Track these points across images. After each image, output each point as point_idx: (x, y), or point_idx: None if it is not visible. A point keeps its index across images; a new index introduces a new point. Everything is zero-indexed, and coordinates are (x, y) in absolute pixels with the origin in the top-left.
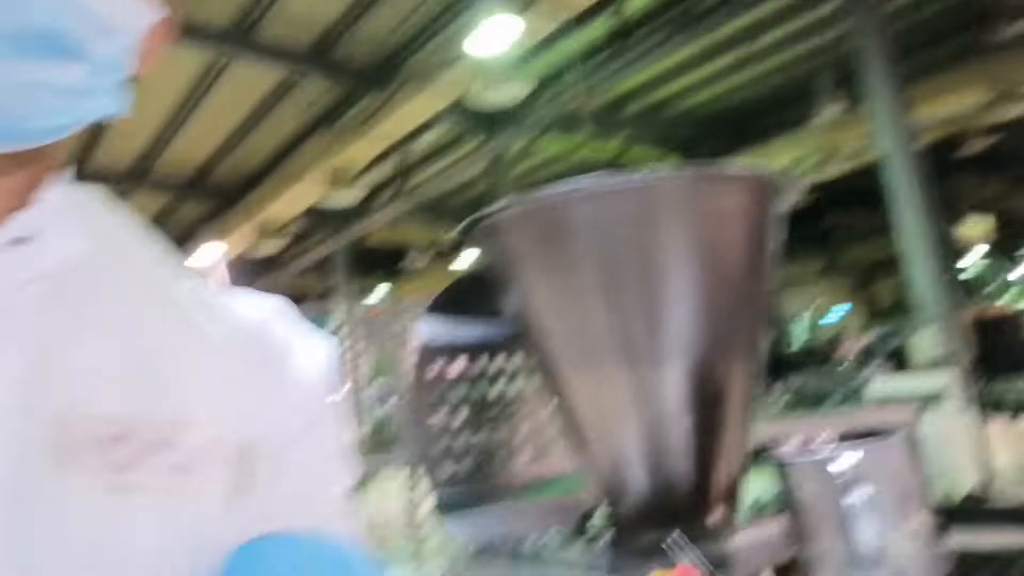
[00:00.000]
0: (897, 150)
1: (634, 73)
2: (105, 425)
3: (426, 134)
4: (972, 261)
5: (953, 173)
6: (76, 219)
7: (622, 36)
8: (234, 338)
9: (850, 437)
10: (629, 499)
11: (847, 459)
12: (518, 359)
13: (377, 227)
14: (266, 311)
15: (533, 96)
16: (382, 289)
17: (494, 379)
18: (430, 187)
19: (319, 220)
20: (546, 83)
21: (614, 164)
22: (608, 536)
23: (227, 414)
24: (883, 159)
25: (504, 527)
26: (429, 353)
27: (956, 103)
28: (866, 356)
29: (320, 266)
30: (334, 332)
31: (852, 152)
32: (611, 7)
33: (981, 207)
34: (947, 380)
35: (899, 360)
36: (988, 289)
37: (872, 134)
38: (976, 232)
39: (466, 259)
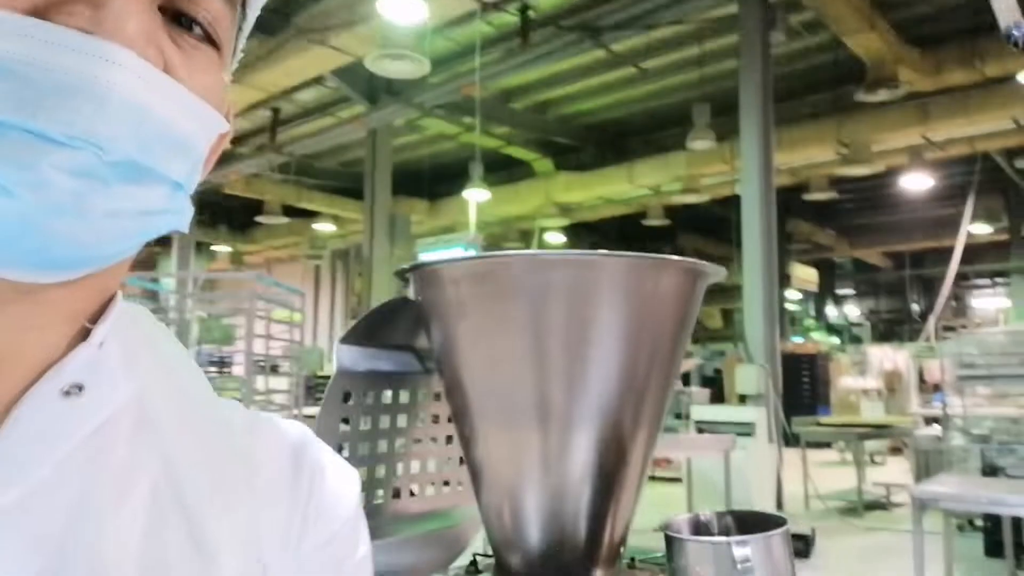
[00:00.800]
0: (758, 187)
1: (527, 71)
2: None
3: (307, 91)
4: (792, 299)
5: (792, 218)
6: (124, 353)
7: (523, 33)
8: (272, 466)
9: (730, 519)
10: (522, 552)
11: (743, 548)
12: (420, 395)
13: (234, 179)
14: (300, 434)
15: (424, 75)
16: (225, 248)
17: (393, 411)
18: (300, 146)
19: None
20: (440, 64)
21: (493, 156)
22: None
23: (250, 564)
24: (745, 194)
25: (388, 559)
26: (346, 378)
27: (807, 154)
28: (685, 378)
29: None
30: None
31: (711, 184)
32: (518, 2)
33: (808, 252)
34: (760, 414)
35: (714, 385)
36: (803, 326)
37: (739, 169)
38: (808, 276)
39: (326, 225)
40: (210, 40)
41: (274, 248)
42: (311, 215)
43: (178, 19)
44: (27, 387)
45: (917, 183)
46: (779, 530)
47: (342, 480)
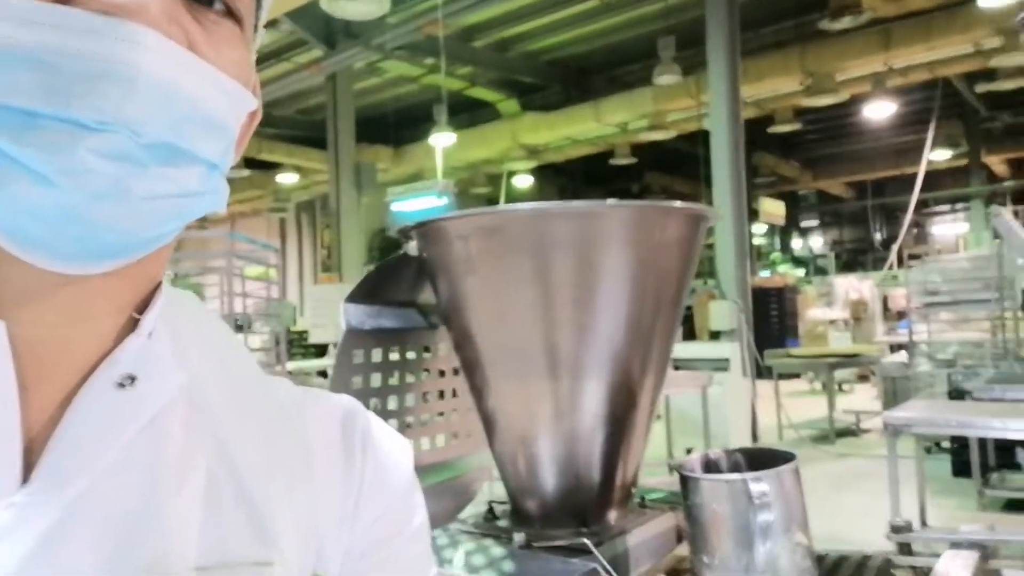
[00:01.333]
0: (726, 121)
1: (488, 7)
2: (195, 575)
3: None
4: (757, 233)
5: (756, 151)
6: (173, 341)
7: None
8: (323, 442)
9: (739, 456)
10: (538, 498)
11: (759, 484)
12: (427, 350)
13: None
14: (349, 407)
15: (384, 15)
16: None
17: (403, 366)
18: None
19: None
20: (399, 3)
21: (457, 98)
22: (519, 535)
23: (309, 541)
24: (713, 128)
25: None
26: (355, 336)
27: (772, 86)
28: None
29: None
30: None
31: (677, 120)
32: None
33: (773, 186)
34: (734, 349)
35: (686, 323)
36: (769, 260)
37: (706, 104)
38: (776, 210)
39: (289, 177)
40: (231, 15)
41: (237, 202)
42: (273, 167)
43: None
44: (81, 379)
45: (879, 111)
46: (790, 465)
47: (394, 451)
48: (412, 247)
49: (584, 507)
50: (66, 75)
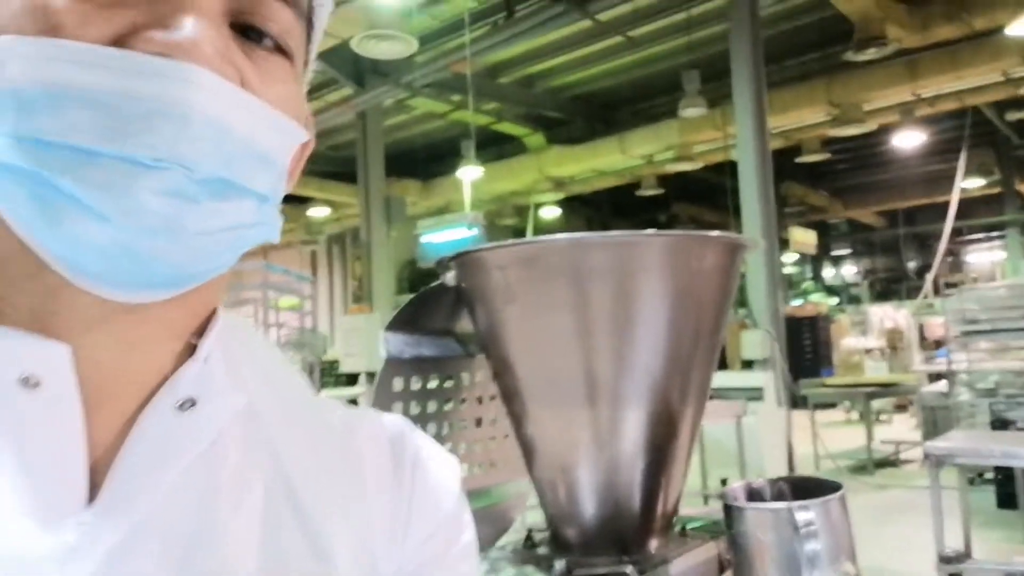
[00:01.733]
0: (753, 152)
1: (513, 45)
2: None
3: None
4: (788, 262)
5: (784, 181)
6: (229, 365)
7: (508, 7)
8: (375, 462)
9: (783, 485)
10: (578, 525)
11: (806, 513)
12: (463, 377)
13: None
14: (398, 426)
15: (412, 54)
16: None
17: (442, 394)
18: None
19: None
20: (426, 42)
21: (484, 133)
22: (560, 563)
23: (362, 560)
24: (741, 159)
25: None
26: (394, 365)
27: (798, 117)
28: None
29: None
30: None
31: (704, 151)
32: None
33: (803, 215)
34: (767, 378)
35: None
36: (801, 288)
37: (732, 135)
38: (807, 239)
39: (320, 211)
40: (281, 51)
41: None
42: (305, 201)
43: (247, 32)
44: (142, 403)
45: (908, 140)
46: (837, 494)
47: (442, 470)
48: (450, 277)
49: (625, 535)
50: (123, 115)
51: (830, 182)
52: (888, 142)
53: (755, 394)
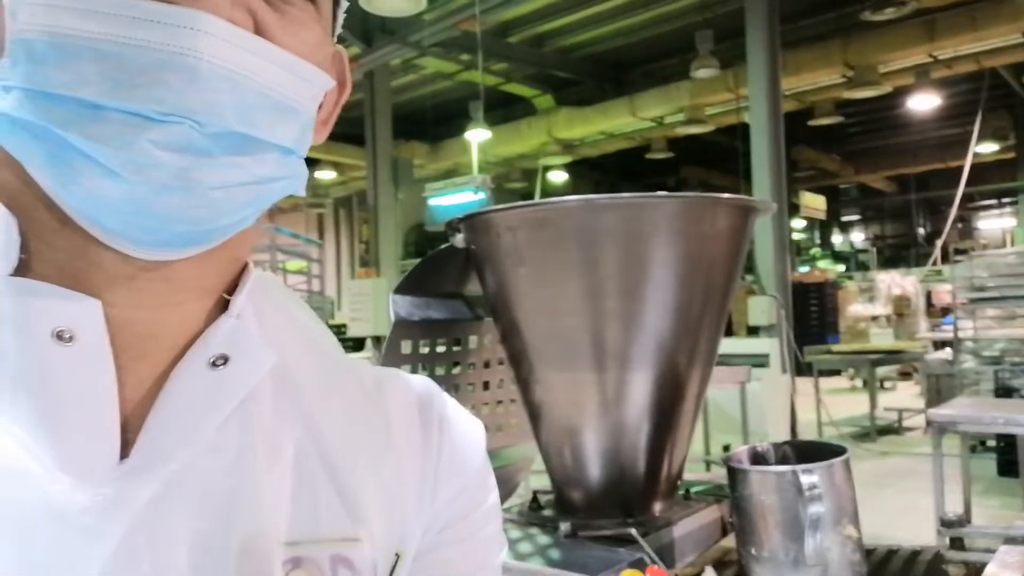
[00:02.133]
0: (766, 114)
1: (523, 2)
2: (286, 550)
3: None
4: (796, 228)
5: (796, 145)
6: (261, 322)
7: None
8: (403, 422)
9: (787, 449)
10: (583, 488)
11: (810, 476)
12: (471, 340)
13: None
14: (426, 387)
15: (420, 12)
16: None
17: (449, 357)
18: None
19: None
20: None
21: (492, 94)
22: (565, 524)
23: (393, 519)
24: (753, 121)
25: None
26: (403, 328)
27: (812, 78)
28: None
29: None
30: None
31: (715, 113)
32: None
33: (813, 179)
34: (772, 344)
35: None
36: (809, 254)
37: (745, 97)
38: (816, 204)
39: (327, 173)
40: None
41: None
42: (311, 163)
43: None
44: (173, 359)
45: (923, 104)
46: (841, 458)
47: (469, 431)
48: (459, 239)
49: (629, 498)
50: (129, 66)
51: (842, 146)
52: (902, 105)
53: (760, 360)
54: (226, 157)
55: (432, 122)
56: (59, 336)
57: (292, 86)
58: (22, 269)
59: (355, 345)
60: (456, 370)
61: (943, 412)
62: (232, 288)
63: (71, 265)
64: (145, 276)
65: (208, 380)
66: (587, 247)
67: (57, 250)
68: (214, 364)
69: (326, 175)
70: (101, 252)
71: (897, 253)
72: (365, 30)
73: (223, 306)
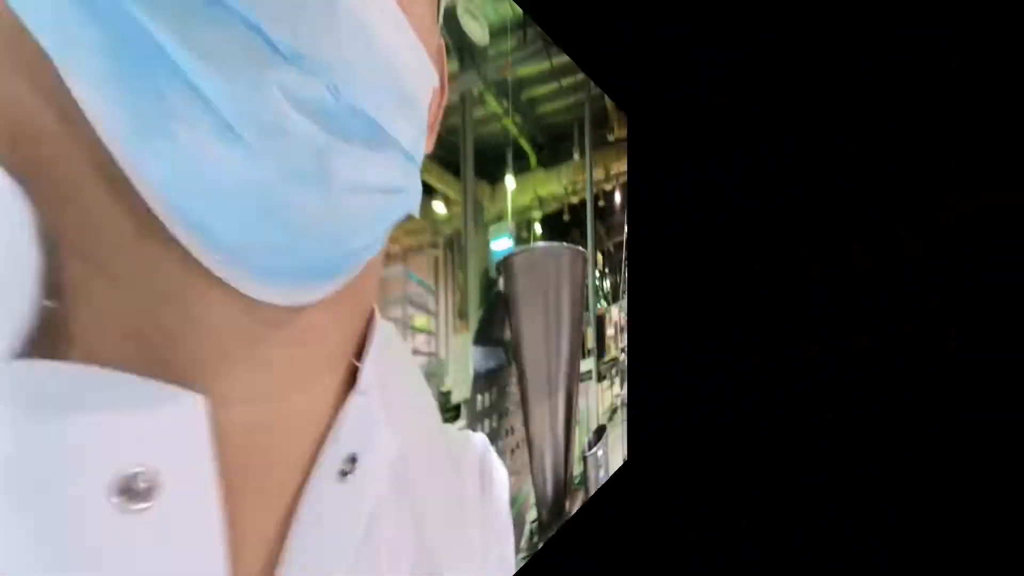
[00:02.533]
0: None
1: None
2: None
3: None
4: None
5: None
6: (385, 395)
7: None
8: (473, 480)
9: None
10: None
11: None
12: (509, 390)
13: None
14: (484, 446)
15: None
16: None
17: (499, 409)
18: None
19: None
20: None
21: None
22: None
23: None
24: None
25: None
26: (481, 382)
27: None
28: None
29: None
30: None
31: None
32: None
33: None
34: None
35: None
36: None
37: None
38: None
39: (439, 206)
40: None
41: (405, 233)
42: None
43: None
44: (296, 467)
45: None
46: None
47: (503, 486)
48: (501, 283)
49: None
50: None
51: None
52: None
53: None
54: (360, 146)
55: (493, 161)
56: (128, 492)
57: (410, 63)
58: (47, 334)
59: (455, 414)
60: (500, 421)
61: None
62: (358, 346)
63: (149, 320)
64: (275, 337)
65: (337, 495)
66: (540, 290)
67: (120, 286)
68: (343, 472)
69: (439, 207)
70: (207, 290)
71: None
72: (459, 47)
73: (352, 376)
